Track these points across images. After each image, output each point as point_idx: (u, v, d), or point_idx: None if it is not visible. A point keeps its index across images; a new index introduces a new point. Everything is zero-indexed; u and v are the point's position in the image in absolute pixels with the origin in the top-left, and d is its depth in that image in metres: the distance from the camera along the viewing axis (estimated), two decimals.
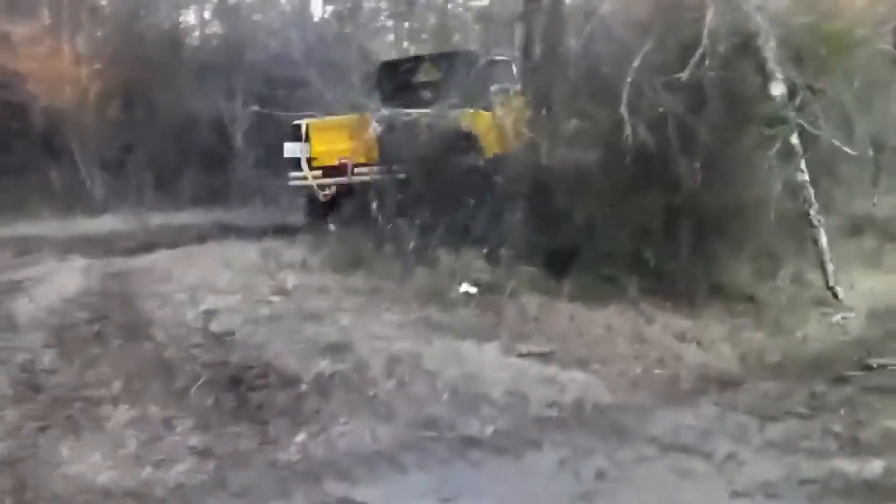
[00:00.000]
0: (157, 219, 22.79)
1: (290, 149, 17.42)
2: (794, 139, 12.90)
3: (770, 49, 12.87)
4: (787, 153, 12.49)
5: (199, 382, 9.53)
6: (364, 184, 16.35)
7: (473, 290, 13.70)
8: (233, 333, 10.83)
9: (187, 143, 29.18)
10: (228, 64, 29.31)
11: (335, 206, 17.72)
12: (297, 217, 19.67)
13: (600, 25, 13.33)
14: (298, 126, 17.84)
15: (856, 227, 18.31)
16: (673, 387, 10.29)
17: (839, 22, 13.15)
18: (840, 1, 14.32)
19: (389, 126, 15.92)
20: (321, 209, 17.95)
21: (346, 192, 17.11)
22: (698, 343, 11.91)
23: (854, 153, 12.94)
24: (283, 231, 18.03)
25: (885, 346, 11.85)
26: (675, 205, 13.30)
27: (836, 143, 12.81)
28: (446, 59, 19.66)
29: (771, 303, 13.72)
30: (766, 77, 12.90)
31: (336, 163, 17.16)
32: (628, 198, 13.88)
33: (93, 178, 27.34)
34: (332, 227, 16.48)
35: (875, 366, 10.83)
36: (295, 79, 19.97)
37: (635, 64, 12.49)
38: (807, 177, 13.07)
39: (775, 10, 12.97)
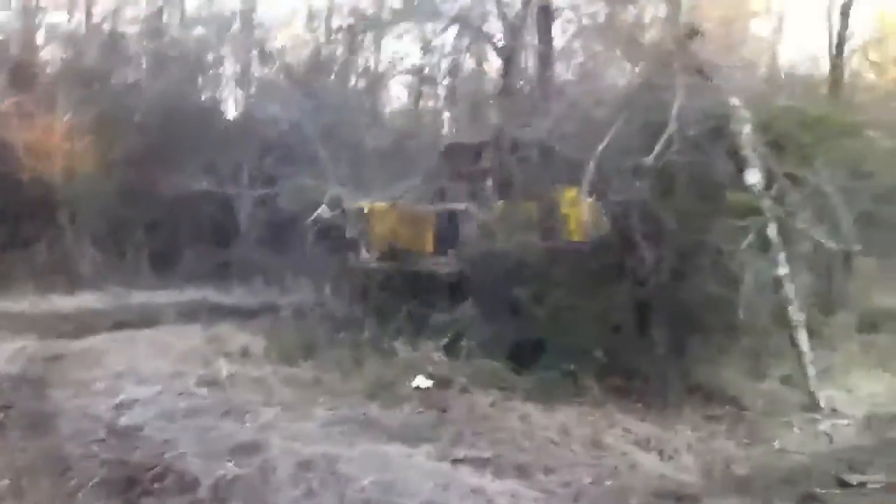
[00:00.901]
0: (141, 297, 22.05)
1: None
2: (772, 231, 11.86)
3: (746, 134, 11.95)
4: (763, 246, 11.42)
5: (92, 483, 8.57)
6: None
7: (428, 383, 12.72)
8: (141, 429, 9.93)
9: (189, 219, 28.59)
10: (237, 140, 28.76)
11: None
12: (295, 297, 18.75)
13: (571, 109, 12.47)
14: (361, 208, 16.93)
15: (872, 324, 17.21)
16: (620, 501, 9.13)
17: (825, 107, 12.22)
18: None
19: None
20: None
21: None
22: (660, 452, 10.78)
23: (837, 248, 11.78)
24: (269, 311, 17.08)
25: (874, 459, 10.63)
26: (643, 298, 12.30)
27: (818, 238, 11.67)
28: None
29: (752, 407, 12.56)
30: (741, 164, 11.95)
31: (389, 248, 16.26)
32: (595, 289, 12.91)
33: (82, 254, 26.78)
34: (283, 312, 15.53)
35: (854, 483, 9.62)
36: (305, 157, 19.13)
37: (600, 148, 11.60)
38: (786, 271, 11.98)
39: (754, 93, 12.04)
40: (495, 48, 14.77)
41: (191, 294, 23.04)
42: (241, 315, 16.22)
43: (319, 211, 14.12)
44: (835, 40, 22.67)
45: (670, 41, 12.29)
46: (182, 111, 29.41)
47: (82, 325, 16.83)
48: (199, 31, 32.65)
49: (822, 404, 12.20)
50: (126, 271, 26.44)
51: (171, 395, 10.86)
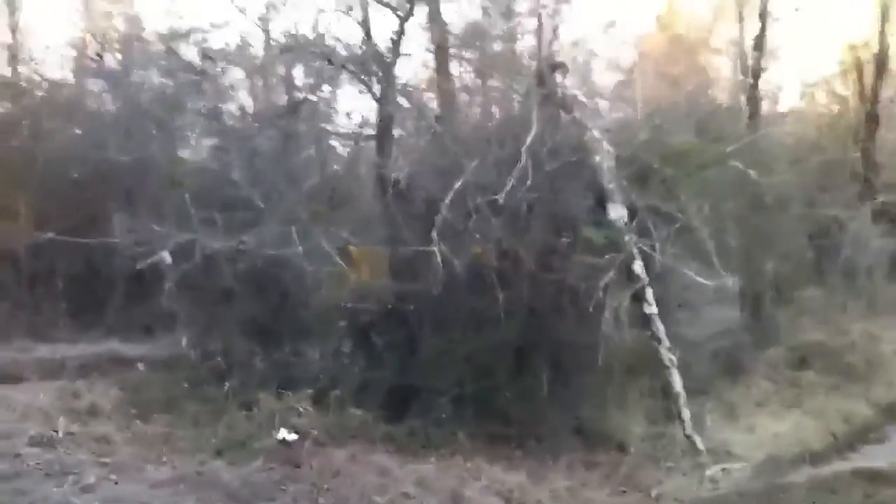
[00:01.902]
0: (45, 350, 20.84)
1: None
2: (637, 267, 11.43)
3: (608, 168, 11.57)
4: (624, 282, 10.99)
5: None
6: None
7: (293, 436, 11.99)
8: None
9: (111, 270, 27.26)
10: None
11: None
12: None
13: (431, 146, 12.02)
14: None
15: (802, 359, 16.91)
16: None
17: (689, 139, 11.89)
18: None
19: None
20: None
21: None
22: None
23: (709, 283, 11.38)
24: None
25: None
26: (512, 340, 11.77)
27: (689, 273, 11.27)
28: None
29: (637, 451, 12.05)
30: (603, 199, 11.55)
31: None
32: (465, 332, 12.37)
33: None
34: (140, 366, 14.73)
35: None
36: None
37: (457, 186, 11.12)
38: (654, 309, 11.53)
39: (617, 125, 11.71)
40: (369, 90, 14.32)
41: (103, 346, 21.89)
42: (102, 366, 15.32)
43: (158, 257, 13.32)
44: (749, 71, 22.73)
45: (532, 74, 11.87)
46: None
47: None
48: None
49: (701, 447, 11.69)
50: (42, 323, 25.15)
51: None
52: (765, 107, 24.82)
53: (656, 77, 24.12)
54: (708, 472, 11.64)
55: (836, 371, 16.59)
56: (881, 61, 24.70)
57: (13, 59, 27.12)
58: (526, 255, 10.62)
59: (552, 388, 11.48)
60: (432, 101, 14.96)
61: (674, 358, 11.21)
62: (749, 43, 22.35)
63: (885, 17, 24.06)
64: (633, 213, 11.64)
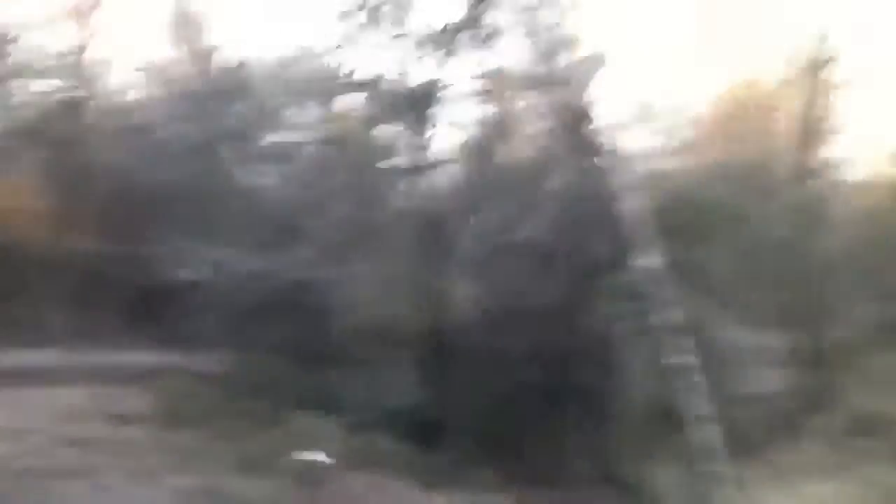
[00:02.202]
0: (89, 355, 21.41)
1: None
2: (668, 318, 11.29)
3: (641, 217, 11.50)
4: (654, 332, 10.86)
5: None
6: None
7: (319, 457, 12.11)
8: None
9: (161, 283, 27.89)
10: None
11: None
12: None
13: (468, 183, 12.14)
14: None
15: (860, 427, 16.40)
16: None
17: (721, 191, 11.75)
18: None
19: None
20: None
21: None
22: None
23: (742, 340, 11.18)
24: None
25: None
26: (538, 383, 11.74)
27: (713, 326, 11.10)
28: None
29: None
30: (627, 245, 11.46)
31: None
32: (496, 371, 12.38)
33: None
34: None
35: None
36: None
37: (483, 223, 11.20)
38: (689, 362, 11.33)
39: (648, 173, 11.65)
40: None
41: (149, 355, 22.39)
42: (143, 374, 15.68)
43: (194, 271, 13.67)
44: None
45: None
46: None
47: None
48: None
49: None
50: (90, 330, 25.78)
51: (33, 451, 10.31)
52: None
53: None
54: None
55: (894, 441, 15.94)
56: None
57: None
58: (553, 298, 10.49)
59: (581, 434, 11.30)
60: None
61: (709, 413, 10.88)
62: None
63: None
64: (665, 263, 11.41)
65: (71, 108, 25.89)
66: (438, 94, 14.83)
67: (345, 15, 15.03)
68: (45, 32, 22.74)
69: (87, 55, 24.16)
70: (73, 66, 24.47)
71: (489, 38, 14.90)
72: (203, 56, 24.07)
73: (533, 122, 14.29)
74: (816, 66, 19.71)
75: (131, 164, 23.16)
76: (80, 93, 26.95)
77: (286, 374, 13.41)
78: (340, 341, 13.49)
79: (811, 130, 20.79)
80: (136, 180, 21.96)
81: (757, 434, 14.81)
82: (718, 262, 11.54)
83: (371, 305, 12.95)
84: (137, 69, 24.12)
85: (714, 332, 11.47)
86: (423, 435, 12.43)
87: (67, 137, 25.51)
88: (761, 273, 12.63)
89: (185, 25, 24.68)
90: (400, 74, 15.36)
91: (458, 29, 15.44)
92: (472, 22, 15.27)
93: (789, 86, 23.17)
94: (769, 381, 18.50)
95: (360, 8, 15.22)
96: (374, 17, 15.28)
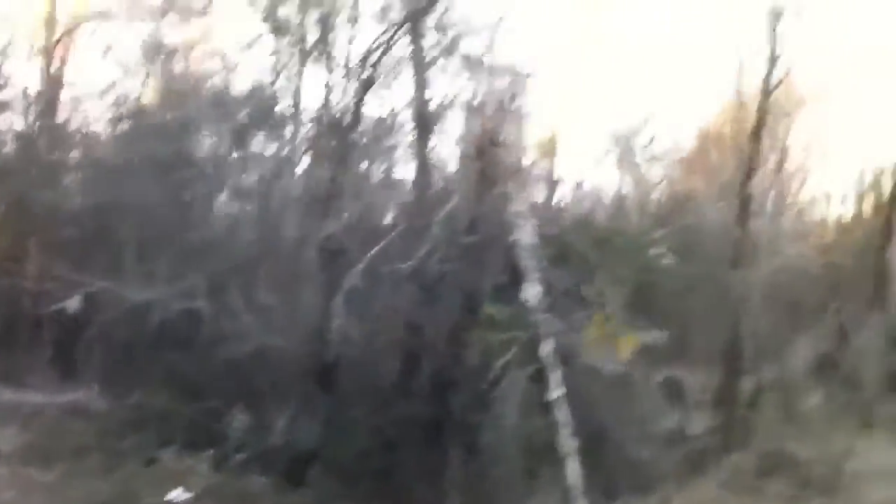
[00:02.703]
0: None
1: None
2: (544, 349, 11.11)
3: (527, 246, 11.36)
4: (525, 364, 10.66)
5: None
6: None
7: (184, 496, 11.67)
8: None
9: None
10: None
11: None
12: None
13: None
14: None
15: (769, 467, 16.26)
16: None
17: (615, 224, 11.68)
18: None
19: None
20: None
21: None
22: None
23: (616, 371, 11.03)
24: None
25: None
26: (413, 416, 11.44)
27: (598, 358, 10.93)
28: None
29: None
30: (519, 276, 11.31)
31: None
32: (374, 404, 12.07)
33: None
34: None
35: None
36: None
37: (371, 253, 10.94)
38: (558, 394, 11.14)
39: (542, 205, 11.53)
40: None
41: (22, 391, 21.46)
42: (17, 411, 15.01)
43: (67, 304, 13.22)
44: None
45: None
46: None
47: None
48: None
49: None
50: None
51: None
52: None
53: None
54: None
55: (800, 483, 15.86)
56: None
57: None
58: (433, 330, 10.24)
59: (455, 468, 11.02)
60: None
61: (573, 446, 10.68)
62: None
63: None
64: (550, 293, 11.24)
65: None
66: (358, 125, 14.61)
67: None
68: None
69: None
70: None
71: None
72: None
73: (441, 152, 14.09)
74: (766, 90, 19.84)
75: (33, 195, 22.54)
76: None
77: (164, 410, 12.92)
78: (222, 375, 13.07)
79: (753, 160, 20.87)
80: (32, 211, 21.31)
81: (655, 472, 14.67)
82: (615, 294, 11.34)
83: (254, 338, 12.57)
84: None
85: (604, 366, 11.25)
86: (296, 470, 12.04)
87: None
88: (666, 307, 12.50)
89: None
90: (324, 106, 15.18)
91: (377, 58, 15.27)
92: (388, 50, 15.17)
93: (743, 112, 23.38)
94: (683, 418, 18.44)
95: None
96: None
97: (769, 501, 15.04)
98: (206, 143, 16.70)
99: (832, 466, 15.95)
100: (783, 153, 29.64)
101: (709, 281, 17.69)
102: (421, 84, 14.13)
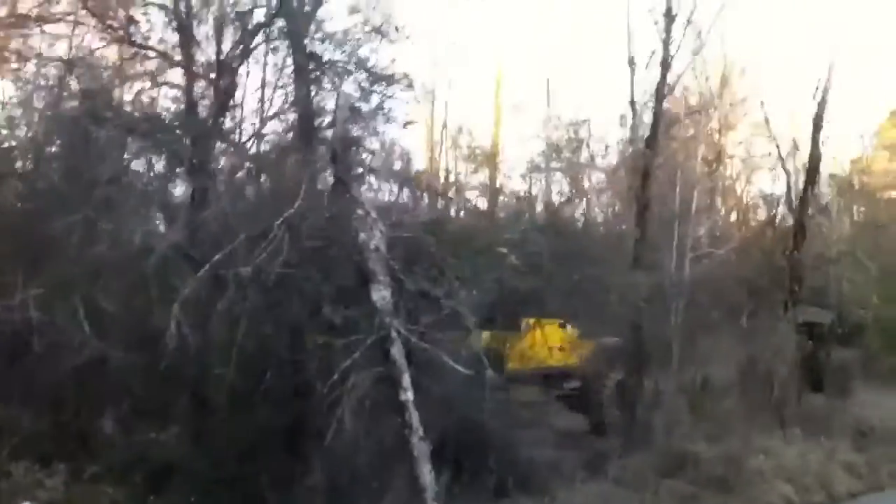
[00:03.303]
0: None
1: None
2: (394, 352, 11.01)
3: (376, 248, 11.24)
4: (379, 367, 10.55)
5: None
6: None
7: None
8: None
9: None
10: None
11: None
12: None
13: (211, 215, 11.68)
14: None
15: (673, 467, 16.20)
16: None
17: (465, 226, 11.64)
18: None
19: None
20: None
21: None
22: None
23: (467, 372, 10.97)
24: None
25: None
26: (266, 425, 11.25)
27: (447, 359, 10.86)
28: None
29: None
30: (366, 278, 11.19)
31: None
32: (232, 412, 11.86)
33: None
34: None
35: None
36: None
37: (217, 257, 10.71)
38: (409, 396, 11.06)
39: (389, 205, 11.42)
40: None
41: None
42: None
43: None
44: None
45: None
46: None
47: None
48: None
49: None
50: None
51: None
52: None
53: None
54: None
55: (702, 482, 15.98)
56: (812, 171, 24.62)
57: None
58: (276, 335, 10.08)
59: (309, 476, 10.86)
60: None
61: (425, 449, 10.59)
62: None
63: (816, 126, 24.04)
64: (401, 295, 11.15)
65: None
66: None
67: None
68: None
69: None
70: None
71: None
72: None
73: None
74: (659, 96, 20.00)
75: None
76: None
77: (16, 422, 12.54)
78: (69, 386, 12.73)
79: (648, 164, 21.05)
80: None
81: (551, 472, 14.66)
82: (452, 292, 11.27)
83: (92, 347, 12.25)
84: None
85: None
86: (150, 481, 11.78)
87: None
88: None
89: None
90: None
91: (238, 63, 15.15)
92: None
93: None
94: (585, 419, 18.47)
95: None
96: None
97: (664, 500, 15.14)
98: None
99: (734, 465, 16.14)
100: (716, 156, 30.27)
101: (600, 283, 17.81)
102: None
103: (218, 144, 13.71)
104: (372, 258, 11.25)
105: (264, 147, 14.85)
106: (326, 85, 14.17)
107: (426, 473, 11.02)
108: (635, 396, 17.86)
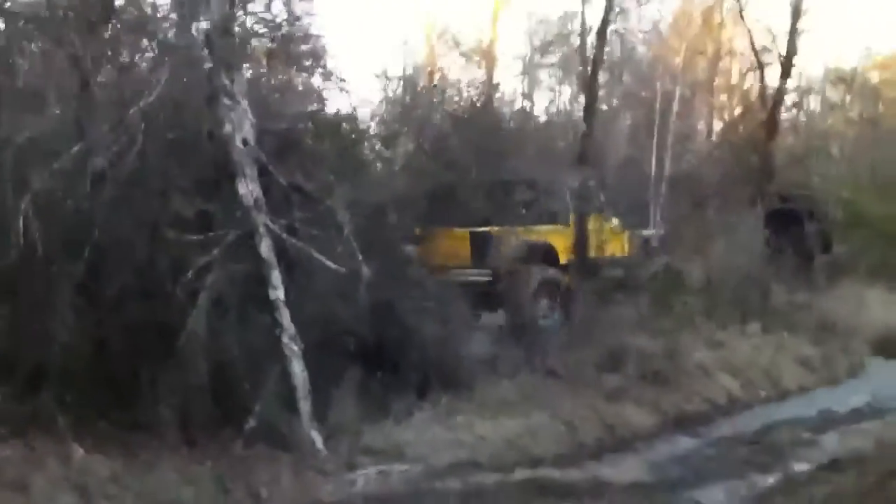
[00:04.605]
0: None
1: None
2: (264, 249, 10.48)
3: (242, 141, 10.58)
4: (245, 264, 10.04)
5: None
6: None
7: None
8: None
9: None
10: None
11: None
12: None
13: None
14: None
15: (613, 363, 15.91)
16: None
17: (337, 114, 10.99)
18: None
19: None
20: None
21: None
22: None
23: (341, 269, 10.50)
24: None
25: None
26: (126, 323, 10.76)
27: (318, 255, 10.37)
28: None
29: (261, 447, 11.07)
30: (231, 171, 10.56)
31: None
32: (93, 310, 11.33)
33: None
34: None
35: None
36: None
37: (74, 150, 10.03)
38: (279, 295, 10.60)
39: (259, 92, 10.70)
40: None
41: None
42: None
43: None
44: None
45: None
46: None
47: None
48: None
49: (320, 445, 10.79)
50: None
51: None
52: None
53: None
54: (356, 474, 10.67)
55: (640, 376, 15.75)
56: (786, 64, 24.07)
57: None
58: (129, 230, 9.49)
59: (157, 375, 10.43)
60: None
61: (296, 347, 10.20)
62: None
63: (795, 17, 23.36)
64: (270, 189, 10.56)
65: None
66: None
67: None
68: None
69: None
70: None
71: None
72: None
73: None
74: None
75: None
76: None
77: None
78: None
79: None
80: None
81: (480, 369, 14.45)
82: (328, 187, 10.72)
83: None
84: None
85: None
86: (29, 380, 11.37)
87: None
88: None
89: None
90: None
91: None
92: None
93: None
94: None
95: None
96: None
97: (597, 392, 14.90)
98: None
99: (677, 360, 15.97)
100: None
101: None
102: None
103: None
104: (237, 150, 10.59)
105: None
106: None
107: (298, 373, 10.70)
108: (577, 292, 17.47)
